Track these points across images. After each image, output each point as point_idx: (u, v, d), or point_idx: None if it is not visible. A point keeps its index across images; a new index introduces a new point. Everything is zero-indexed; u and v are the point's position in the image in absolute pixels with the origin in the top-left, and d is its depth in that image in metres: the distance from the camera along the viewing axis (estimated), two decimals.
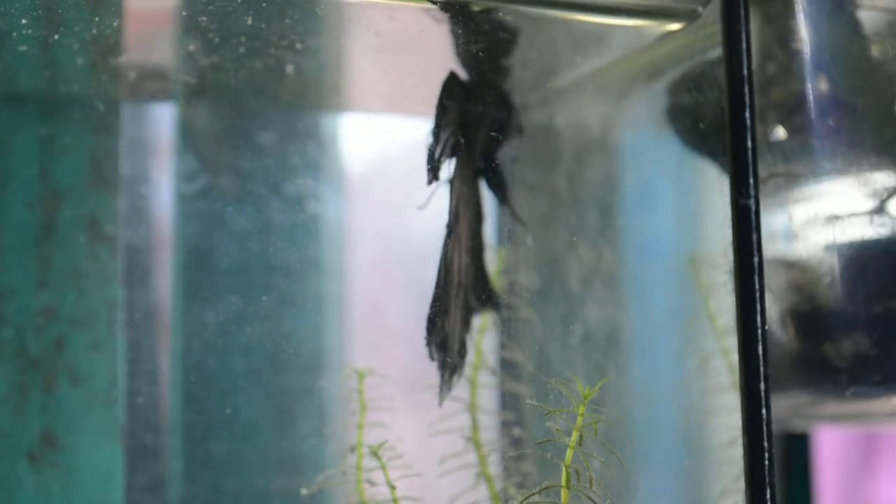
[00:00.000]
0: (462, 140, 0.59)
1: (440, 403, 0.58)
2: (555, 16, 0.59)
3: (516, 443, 0.64)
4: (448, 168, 0.58)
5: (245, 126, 0.71)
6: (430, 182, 0.58)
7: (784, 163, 0.66)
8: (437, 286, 0.57)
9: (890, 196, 0.65)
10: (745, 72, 0.55)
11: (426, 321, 0.57)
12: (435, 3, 0.57)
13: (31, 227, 0.65)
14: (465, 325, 0.59)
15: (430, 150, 0.58)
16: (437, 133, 0.58)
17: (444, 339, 0.57)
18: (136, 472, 0.69)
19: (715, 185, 0.58)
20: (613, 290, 0.70)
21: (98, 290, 0.65)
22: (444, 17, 0.57)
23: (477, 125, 0.60)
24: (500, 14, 0.58)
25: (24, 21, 0.57)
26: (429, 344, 0.57)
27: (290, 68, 0.65)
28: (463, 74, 0.60)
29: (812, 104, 0.66)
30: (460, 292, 0.58)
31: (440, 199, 0.59)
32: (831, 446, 1.07)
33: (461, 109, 0.59)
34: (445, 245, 0.58)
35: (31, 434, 0.63)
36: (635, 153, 0.72)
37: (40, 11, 0.57)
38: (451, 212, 0.58)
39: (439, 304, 0.57)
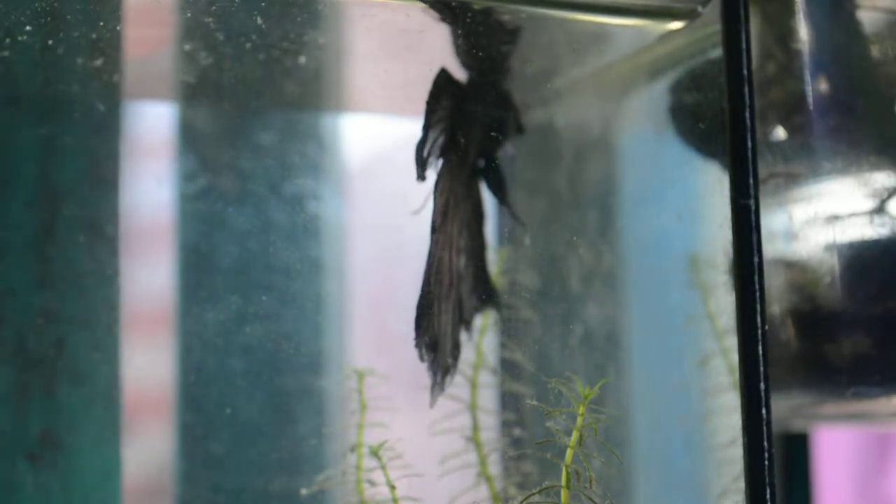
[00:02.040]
0: (460, 139, 0.59)
1: (431, 405, 0.58)
2: (555, 15, 0.59)
3: (516, 443, 0.64)
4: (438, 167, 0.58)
5: (245, 126, 0.71)
6: (418, 179, 0.58)
7: (784, 163, 0.66)
8: (424, 286, 0.57)
9: (890, 196, 0.65)
10: (745, 72, 0.55)
11: (414, 322, 0.57)
12: (435, 2, 0.57)
13: (31, 227, 0.65)
14: (459, 325, 0.59)
15: (418, 147, 0.58)
16: (426, 131, 0.58)
17: (434, 339, 0.57)
18: (135, 472, 0.69)
19: (715, 185, 0.58)
20: (613, 290, 0.69)
21: (98, 290, 0.65)
22: (444, 16, 0.57)
23: (474, 124, 0.60)
24: (500, 14, 0.58)
25: (25, 21, 0.57)
26: (418, 345, 0.57)
27: (290, 68, 0.65)
28: (462, 73, 0.60)
29: (812, 104, 0.66)
30: (451, 292, 0.58)
31: None
32: (843, 444, 1.06)
33: (455, 108, 0.59)
34: (431, 245, 0.58)
35: (31, 434, 0.63)
36: (635, 153, 0.72)
37: (41, 12, 0.57)
38: (436, 211, 0.58)
39: (426, 305, 0.57)
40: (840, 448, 1.07)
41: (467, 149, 0.59)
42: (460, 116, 0.59)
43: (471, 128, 0.59)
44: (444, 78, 0.59)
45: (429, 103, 0.58)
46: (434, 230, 0.57)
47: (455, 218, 0.58)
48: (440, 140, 0.58)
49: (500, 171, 0.60)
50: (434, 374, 0.57)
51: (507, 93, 0.61)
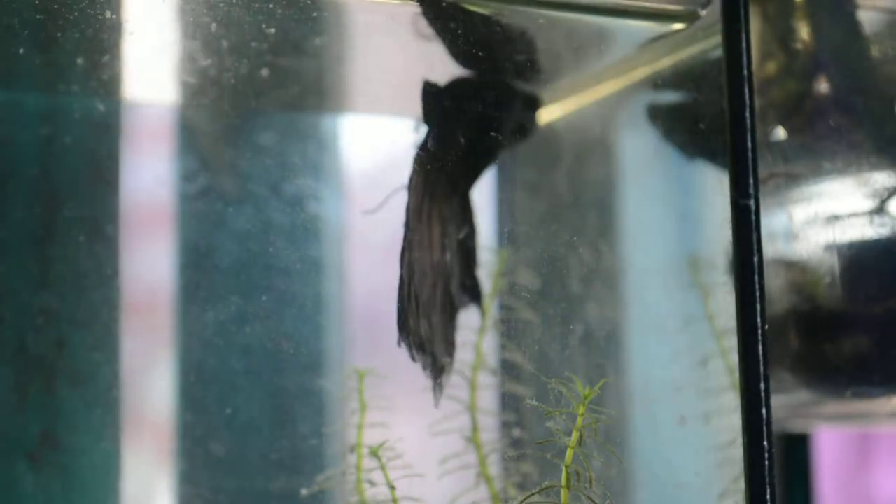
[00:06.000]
0: (459, 138, 0.59)
1: (436, 404, 0.58)
2: (555, 16, 0.59)
3: (516, 443, 0.64)
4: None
5: (245, 126, 0.71)
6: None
7: (784, 163, 0.66)
8: (400, 287, 0.57)
9: (890, 196, 0.65)
10: (745, 72, 0.55)
11: (396, 323, 0.56)
12: (437, 3, 0.57)
13: (31, 227, 0.65)
14: (452, 324, 0.59)
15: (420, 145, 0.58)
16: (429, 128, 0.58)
17: (420, 339, 0.57)
18: (135, 472, 0.69)
19: (715, 185, 0.58)
20: (613, 290, 0.69)
21: (98, 290, 0.65)
22: (445, 16, 0.57)
23: (471, 124, 0.60)
24: (500, 14, 0.58)
25: (24, 20, 0.57)
26: (407, 346, 0.57)
27: (290, 68, 0.65)
28: (461, 73, 0.60)
29: (812, 104, 0.66)
30: (436, 292, 0.58)
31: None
32: (830, 445, 1.06)
33: (451, 107, 0.59)
34: (405, 244, 0.57)
35: (31, 434, 0.63)
36: (635, 153, 0.72)
37: (41, 11, 0.57)
38: (410, 211, 0.57)
39: (405, 305, 0.57)
40: (837, 445, 1.07)
41: (457, 147, 0.59)
42: (456, 115, 0.59)
43: (466, 127, 0.59)
44: (439, 80, 0.59)
45: (425, 102, 0.58)
46: (408, 229, 0.57)
47: (435, 216, 0.58)
48: (437, 138, 0.58)
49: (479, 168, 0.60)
50: (430, 375, 0.57)
51: (505, 91, 0.61)
